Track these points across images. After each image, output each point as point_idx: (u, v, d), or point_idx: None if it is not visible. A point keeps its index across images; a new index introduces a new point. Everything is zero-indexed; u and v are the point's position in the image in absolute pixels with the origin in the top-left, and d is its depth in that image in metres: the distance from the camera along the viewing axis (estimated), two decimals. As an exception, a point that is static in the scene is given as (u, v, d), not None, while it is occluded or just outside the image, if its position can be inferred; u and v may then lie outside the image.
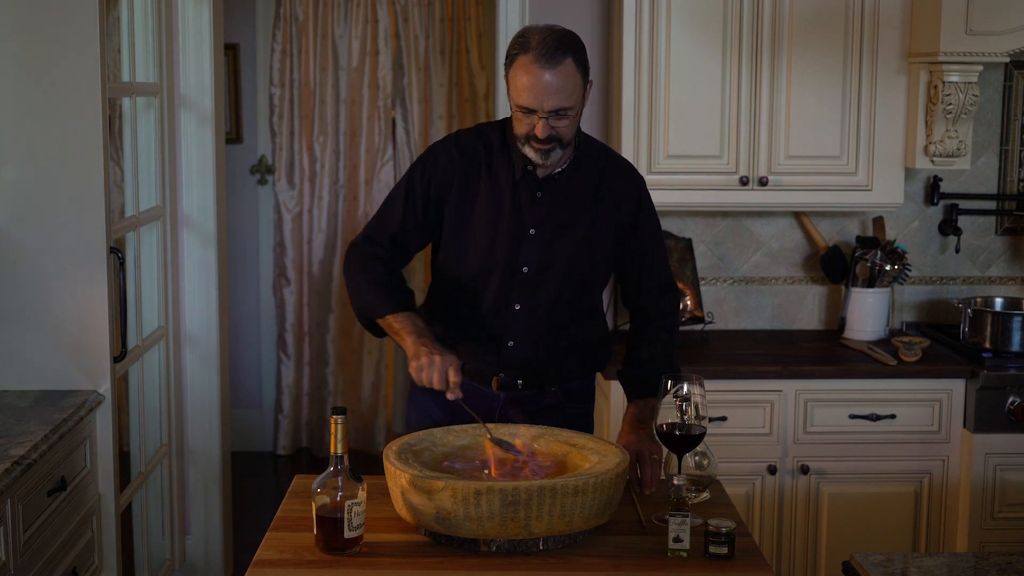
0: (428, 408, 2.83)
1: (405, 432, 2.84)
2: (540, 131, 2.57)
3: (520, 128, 2.62)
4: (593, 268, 2.79)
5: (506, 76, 2.62)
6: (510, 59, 2.59)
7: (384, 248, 2.75)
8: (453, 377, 2.50)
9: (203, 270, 4.19)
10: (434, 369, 2.50)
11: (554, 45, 2.54)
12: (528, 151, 2.64)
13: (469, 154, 2.74)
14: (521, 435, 2.56)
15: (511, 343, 2.77)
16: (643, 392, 2.78)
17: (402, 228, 2.76)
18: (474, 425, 2.58)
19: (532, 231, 2.72)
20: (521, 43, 2.57)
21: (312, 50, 5.70)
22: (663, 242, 2.86)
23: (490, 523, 2.23)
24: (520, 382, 2.79)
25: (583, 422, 2.90)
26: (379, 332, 2.75)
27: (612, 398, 3.63)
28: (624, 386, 2.84)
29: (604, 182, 2.76)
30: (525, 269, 2.73)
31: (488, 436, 2.49)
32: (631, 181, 2.81)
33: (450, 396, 2.52)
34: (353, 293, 2.75)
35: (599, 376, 3.70)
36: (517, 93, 2.57)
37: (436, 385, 2.51)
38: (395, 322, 2.65)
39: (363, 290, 2.72)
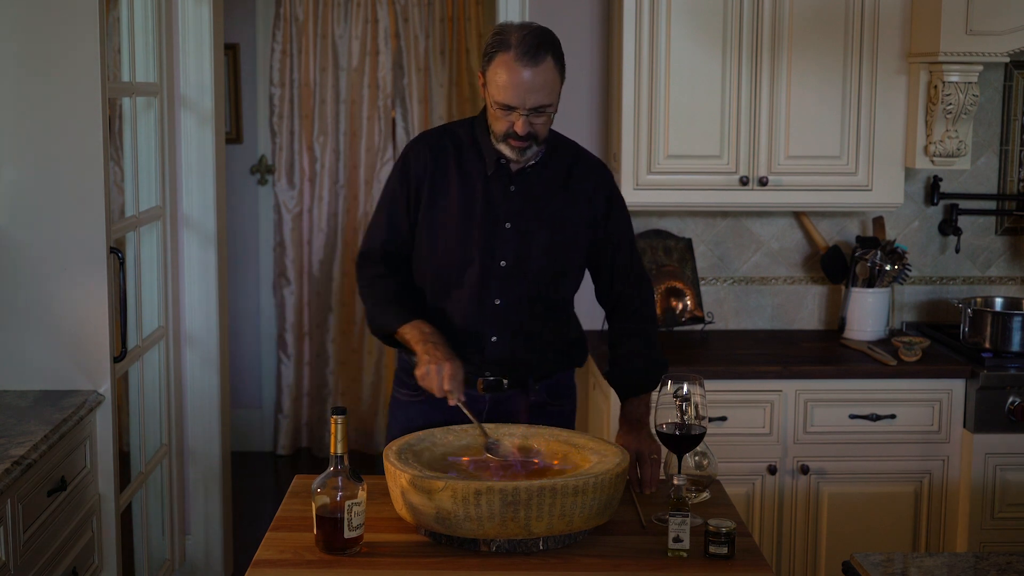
0: (411, 416, 2.83)
1: (388, 441, 2.85)
2: (520, 128, 2.59)
3: (499, 126, 2.64)
4: (568, 261, 2.80)
5: (483, 74, 2.63)
6: (488, 57, 2.61)
7: (378, 261, 2.79)
8: (448, 384, 2.56)
9: (203, 270, 4.19)
10: (433, 377, 2.57)
11: (535, 43, 2.56)
12: (504, 148, 2.66)
13: (438, 151, 2.76)
14: (519, 434, 2.56)
15: (494, 338, 2.76)
16: (634, 390, 2.78)
17: (391, 237, 2.79)
18: (473, 425, 2.58)
19: (508, 224, 2.72)
20: (500, 41, 2.59)
21: (312, 50, 5.70)
22: (634, 237, 2.88)
23: (490, 523, 2.23)
24: (505, 381, 2.79)
25: (566, 422, 2.89)
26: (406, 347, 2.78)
27: (612, 398, 3.62)
28: (614, 387, 2.83)
29: (574, 176, 2.77)
30: (503, 263, 2.73)
31: (485, 440, 2.51)
32: (601, 175, 2.82)
33: (451, 401, 2.57)
34: (368, 316, 2.80)
35: (598, 375, 3.70)
36: (497, 91, 2.59)
37: (436, 392, 2.57)
38: (405, 333, 2.70)
39: (373, 312, 2.77)
